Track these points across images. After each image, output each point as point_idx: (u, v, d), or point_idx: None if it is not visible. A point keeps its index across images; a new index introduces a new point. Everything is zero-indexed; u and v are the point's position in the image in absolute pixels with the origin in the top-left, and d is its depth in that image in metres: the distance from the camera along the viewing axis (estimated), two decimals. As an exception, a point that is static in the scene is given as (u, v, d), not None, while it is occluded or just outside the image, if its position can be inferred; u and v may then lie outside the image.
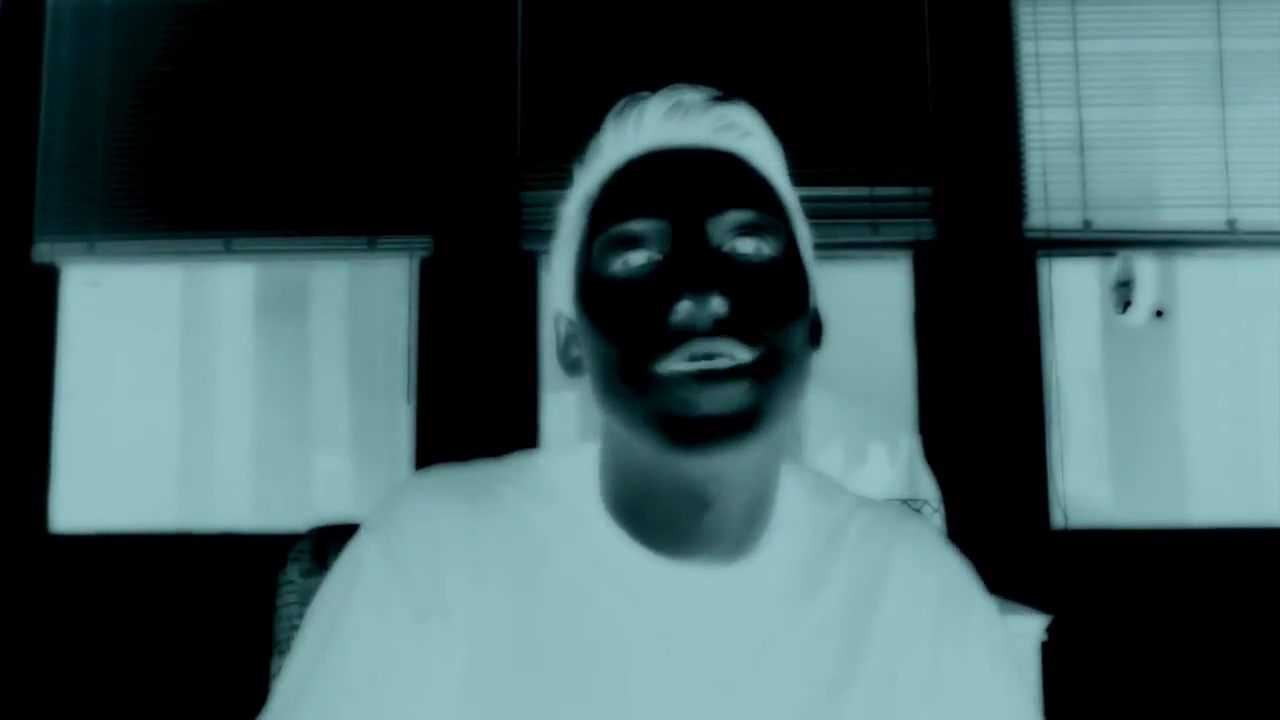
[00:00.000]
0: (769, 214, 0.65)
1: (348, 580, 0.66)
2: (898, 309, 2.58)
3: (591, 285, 0.65)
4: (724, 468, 0.63)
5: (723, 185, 0.65)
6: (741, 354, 0.60)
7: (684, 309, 0.60)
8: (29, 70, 2.66)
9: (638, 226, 0.63)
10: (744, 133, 0.68)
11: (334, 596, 0.66)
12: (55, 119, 2.66)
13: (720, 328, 0.60)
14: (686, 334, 0.60)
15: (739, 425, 0.60)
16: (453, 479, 0.70)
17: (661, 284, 0.62)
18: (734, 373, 0.60)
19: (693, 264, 0.61)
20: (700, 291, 0.60)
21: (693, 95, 0.68)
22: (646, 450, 0.63)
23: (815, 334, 0.70)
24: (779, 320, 0.63)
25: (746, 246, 0.63)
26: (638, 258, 0.63)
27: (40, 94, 2.66)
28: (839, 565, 0.71)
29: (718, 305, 0.60)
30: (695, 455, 0.61)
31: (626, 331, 0.62)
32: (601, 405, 0.66)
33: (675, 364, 0.60)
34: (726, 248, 0.63)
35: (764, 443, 0.63)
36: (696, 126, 0.67)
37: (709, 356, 0.60)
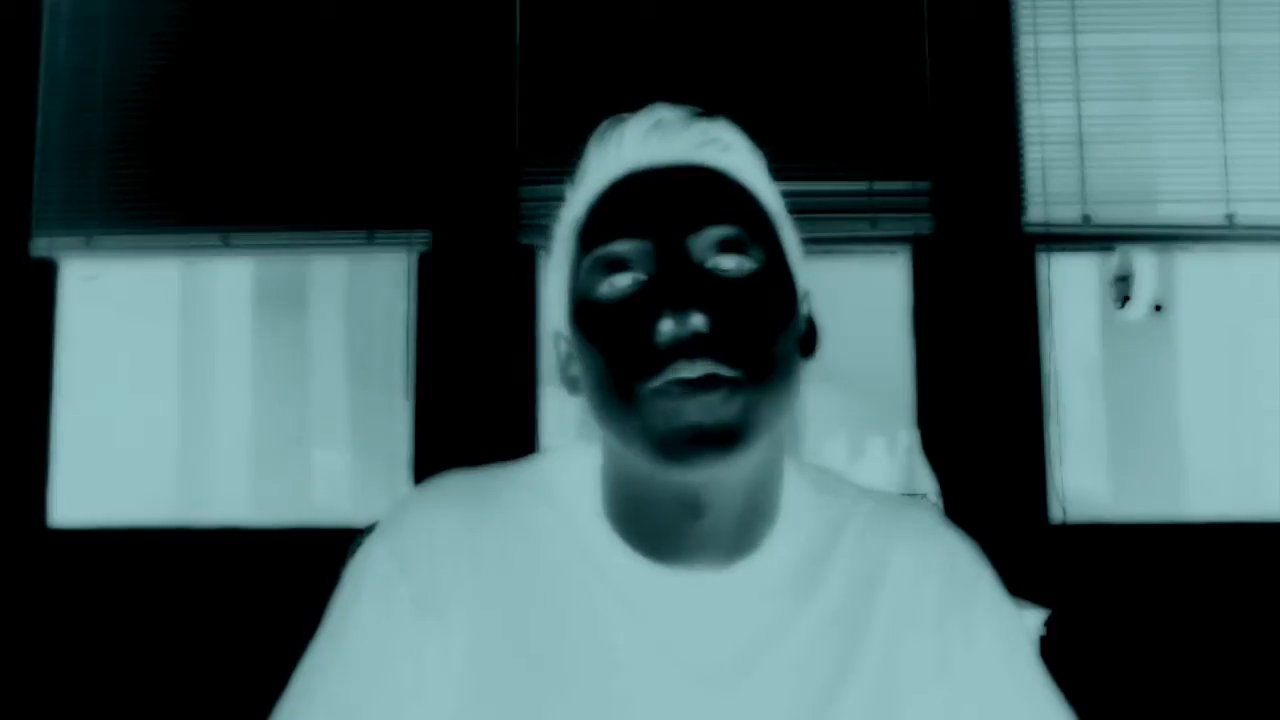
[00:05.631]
0: (750, 227, 0.66)
1: (357, 578, 0.70)
2: (896, 304, 2.58)
3: (582, 308, 0.67)
4: (714, 476, 0.64)
5: (702, 202, 0.66)
6: (725, 371, 0.62)
7: (666, 328, 0.61)
8: (27, 64, 2.66)
9: (620, 248, 0.65)
10: (724, 147, 0.69)
11: (345, 594, 0.70)
12: (53, 113, 2.66)
13: (703, 346, 0.61)
14: (671, 355, 0.61)
15: (725, 438, 0.62)
16: (458, 484, 0.73)
17: (645, 304, 0.63)
18: (717, 381, 0.61)
19: (673, 283, 0.62)
20: (680, 310, 0.61)
21: (671, 113, 0.69)
22: (640, 462, 0.65)
23: (808, 342, 0.71)
24: (762, 334, 0.64)
25: (728, 262, 0.65)
26: (623, 279, 0.65)
27: (38, 88, 2.66)
28: (838, 562, 0.71)
29: (698, 322, 0.61)
30: (684, 466, 0.62)
31: (615, 352, 0.64)
32: (597, 421, 0.68)
33: (661, 383, 0.62)
34: (709, 264, 0.64)
35: (755, 453, 0.65)
36: (675, 144, 0.68)
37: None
